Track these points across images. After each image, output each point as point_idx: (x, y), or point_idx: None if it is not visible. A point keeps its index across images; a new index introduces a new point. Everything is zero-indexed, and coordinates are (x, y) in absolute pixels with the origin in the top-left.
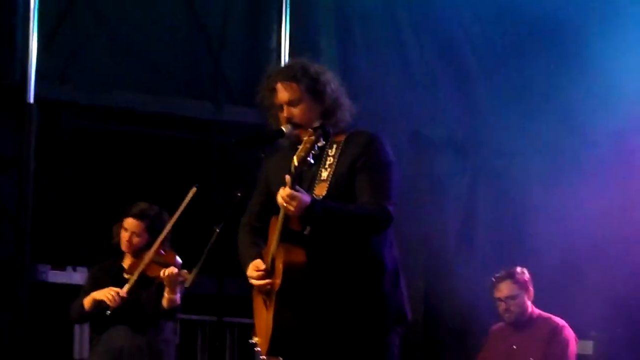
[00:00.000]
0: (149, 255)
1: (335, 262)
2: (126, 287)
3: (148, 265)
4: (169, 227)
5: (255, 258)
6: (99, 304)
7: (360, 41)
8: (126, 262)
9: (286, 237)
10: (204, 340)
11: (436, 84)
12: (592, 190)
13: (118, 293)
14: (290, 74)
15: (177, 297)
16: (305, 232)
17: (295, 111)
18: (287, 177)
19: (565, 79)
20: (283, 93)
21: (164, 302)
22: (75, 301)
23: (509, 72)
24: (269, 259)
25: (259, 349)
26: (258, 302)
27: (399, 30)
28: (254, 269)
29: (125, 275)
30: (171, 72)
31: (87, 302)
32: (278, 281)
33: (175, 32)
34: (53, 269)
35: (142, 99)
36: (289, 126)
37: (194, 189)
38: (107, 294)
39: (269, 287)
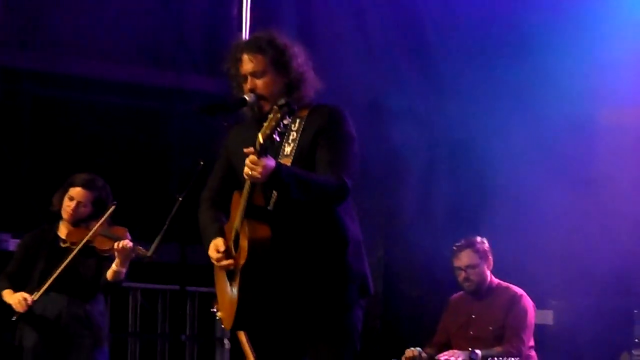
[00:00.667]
0: (97, 226)
1: (300, 237)
2: (36, 295)
3: (95, 237)
4: (107, 214)
5: (217, 235)
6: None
7: (321, 11)
8: (62, 232)
9: (250, 212)
10: (165, 309)
11: (396, 54)
12: (552, 162)
13: (26, 299)
14: (256, 45)
15: (124, 271)
16: (269, 208)
17: (259, 82)
18: (251, 149)
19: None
20: (248, 64)
21: (110, 275)
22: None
23: (470, 44)
24: (232, 235)
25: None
26: (220, 277)
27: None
28: (214, 249)
29: (62, 245)
30: (133, 40)
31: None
32: (243, 259)
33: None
34: (14, 237)
35: (104, 67)
36: (252, 95)
37: (113, 207)
38: (15, 300)
39: (231, 267)
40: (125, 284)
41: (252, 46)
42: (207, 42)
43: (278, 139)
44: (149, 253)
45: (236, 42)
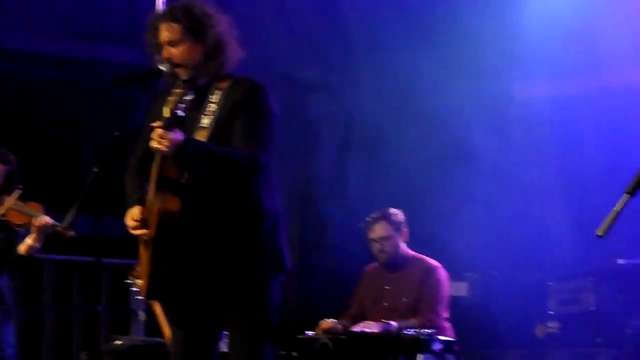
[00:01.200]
0: (10, 201)
1: (213, 210)
2: None
3: (9, 211)
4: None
5: (137, 203)
6: None
7: None
8: None
9: (163, 185)
10: (80, 281)
11: (312, 27)
12: (467, 136)
13: None
14: (172, 14)
15: (39, 246)
16: (182, 180)
17: (175, 51)
18: (159, 122)
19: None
20: (164, 33)
21: (24, 249)
22: None
23: (384, 19)
24: (148, 204)
25: (136, 289)
26: (141, 247)
27: None
28: (131, 217)
29: None
30: (50, 11)
31: None
32: (154, 228)
33: None
34: None
35: (19, 39)
36: (168, 65)
37: (17, 192)
38: None
39: (145, 236)
40: (39, 257)
41: (169, 15)
42: (125, 13)
43: (182, 113)
44: (69, 231)
45: (155, 12)
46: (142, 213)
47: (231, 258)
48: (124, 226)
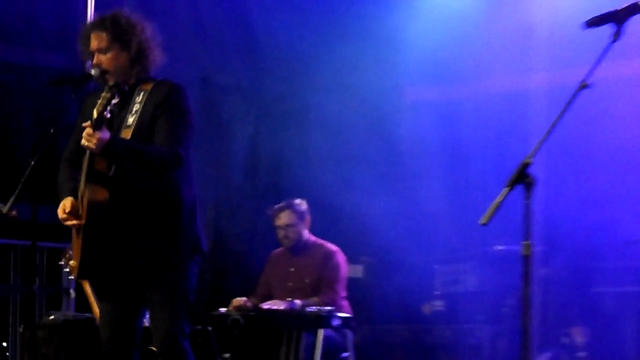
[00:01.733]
0: None
1: (137, 200)
2: None
3: None
4: None
5: (68, 195)
6: None
7: None
8: None
9: (93, 178)
10: (17, 263)
11: (224, 33)
12: (363, 129)
13: None
14: (100, 24)
15: None
16: (110, 174)
17: (104, 58)
18: (88, 123)
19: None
20: (94, 41)
21: None
22: None
23: (291, 26)
24: (79, 196)
25: (68, 270)
26: (73, 233)
27: None
28: (62, 210)
29: None
30: None
31: None
32: (83, 218)
33: None
34: None
35: None
36: (97, 70)
37: None
38: None
39: (78, 224)
40: None
41: (97, 25)
42: (57, 19)
43: (109, 115)
44: (4, 210)
45: (86, 23)
46: (73, 204)
47: (153, 242)
48: (56, 214)
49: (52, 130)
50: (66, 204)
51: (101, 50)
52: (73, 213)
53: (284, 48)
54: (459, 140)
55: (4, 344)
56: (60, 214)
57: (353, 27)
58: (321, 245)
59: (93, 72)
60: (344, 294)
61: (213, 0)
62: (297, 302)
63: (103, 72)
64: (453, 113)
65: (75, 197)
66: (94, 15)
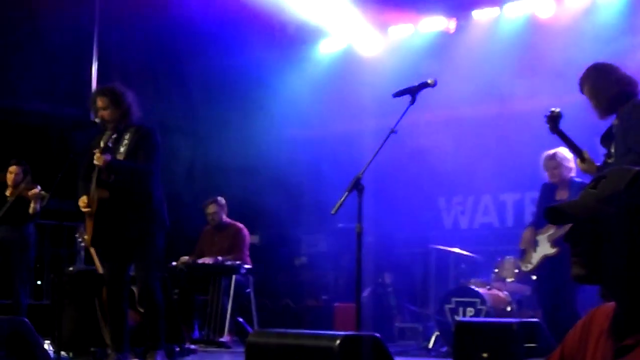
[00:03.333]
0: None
1: (126, 197)
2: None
3: (22, 190)
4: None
5: (84, 194)
6: None
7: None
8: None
9: (100, 183)
10: (50, 235)
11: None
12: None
13: None
14: (103, 92)
15: (38, 206)
16: (110, 180)
17: (104, 113)
18: (97, 151)
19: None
20: (99, 102)
21: (30, 210)
22: None
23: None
24: (91, 195)
25: (81, 240)
26: (87, 218)
27: None
28: (82, 203)
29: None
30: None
31: None
32: (94, 207)
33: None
34: None
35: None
36: (100, 120)
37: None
38: None
39: (90, 211)
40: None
41: (101, 92)
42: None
43: (111, 145)
44: (44, 202)
45: (95, 91)
46: (87, 200)
47: (137, 221)
48: (77, 205)
49: (72, 156)
50: (83, 199)
51: (103, 108)
52: (87, 205)
53: (211, 99)
54: (322, 162)
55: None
56: (80, 204)
57: (256, 84)
58: (234, 224)
59: (97, 121)
60: (247, 253)
61: (161, 63)
62: (220, 258)
63: (103, 121)
64: (315, 147)
65: (88, 196)
66: (96, 80)
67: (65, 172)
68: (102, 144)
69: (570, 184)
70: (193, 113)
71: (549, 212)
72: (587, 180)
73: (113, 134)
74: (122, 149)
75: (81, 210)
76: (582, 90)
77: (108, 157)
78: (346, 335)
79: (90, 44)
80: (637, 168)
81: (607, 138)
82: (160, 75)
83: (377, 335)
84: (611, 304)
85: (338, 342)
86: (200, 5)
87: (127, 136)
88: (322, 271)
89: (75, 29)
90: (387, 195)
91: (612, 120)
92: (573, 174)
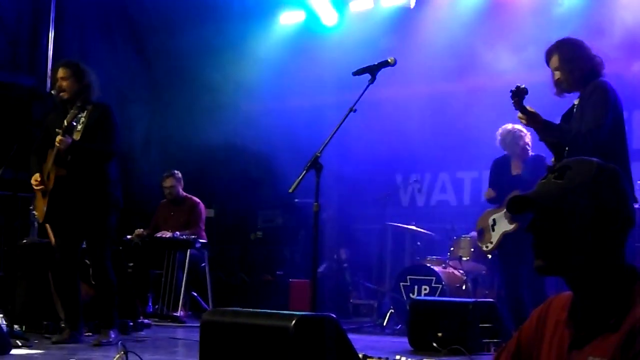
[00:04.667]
0: None
1: (83, 176)
2: None
3: None
4: None
5: (37, 172)
6: None
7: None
8: None
9: (58, 162)
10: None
11: (129, 59)
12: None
13: None
14: (67, 64)
15: None
16: (68, 159)
17: (64, 83)
18: (60, 131)
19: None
20: (60, 72)
21: None
22: None
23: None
24: (47, 171)
25: (35, 213)
26: (38, 194)
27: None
28: (34, 180)
29: None
30: None
31: None
32: (51, 184)
33: None
34: None
35: None
36: (57, 91)
37: None
38: None
39: (44, 188)
40: None
41: (65, 64)
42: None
43: (75, 123)
44: None
45: (59, 62)
46: (40, 177)
47: (91, 202)
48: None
49: (27, 127)
50: (37, 176)
51: (63, 79)
52: (40, 183)
53: (170, 69)
54: (280, 136)
55: None
56: (33, 181)
57: (217, 53)
58: (190, 198)
59: (53, 92)
60: (203, 227)
61: (120, 33)
62: (177, 233)
63: (60, 92)
64: (273, 121)
65: (40, 173)
66: (53, 49)
67: (21, 143)
68: (65, 123)
69: (525, 158)
70: (152, 83)
71: (513, 202)
72: (541, 155)
73: (78, 113)
74: (79, 127)
75: (34, 187)
76: (548, 61)
77: (69, 140)
78: (301, 316)
79: (48, 11)
80: (596, 160)
81: (567, 118)
82: (120, 45)
83: (333, 315)
84: (567, 294)
85: (293, 322)
86: None
87: (84, 114)
88: (278, 246)
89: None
90: (345, 171)
91: (572, 99)
92: (529, 148)
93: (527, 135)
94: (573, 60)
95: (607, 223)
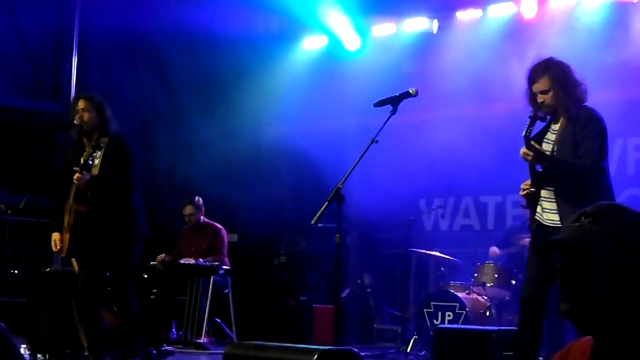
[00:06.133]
0: None
1: (104, 210)
2: None
3: None
4: None
5: (56, 231)
6: None
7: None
8: None
9: (78, 197)
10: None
11: (152, 86)
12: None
13: None
14: (88, 96)
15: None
16: (89, 195)
17: (85, 115)
18: (77, 169)
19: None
20: (81, 104)
21: None
22: None
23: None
24: (69, 207)
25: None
26: (63, 230)
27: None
28: (53, 243)
29: None
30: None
31: None
32: (71, 219)
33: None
34: None
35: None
36: (78, 121)
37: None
38: None
39: (67, 224)
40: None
41: (85, 96)
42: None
43: (91, 162)
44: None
45: (79, 94)
46: (60, 239)
47: (115, 234)
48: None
49: (49, 157)
50: (56, 239)
51: (84, 110)
52: (60, 247)
53: (194, 95)
54: (303, 160)
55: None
56: (53, 246)
57: (240, 82)
58: (212, 225)
59: (76, 121)
60: (225, 253)
61: (143, 60)
62: (200, 260)
63: (82, 123)
64: (296, 145)
65: (61, 213)
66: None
67: (44, 171)
68: (82, 161)
69: None
70: (176, 108)
71: (547, 245)
72: None
73: (93, 152)
74: (96, 161)
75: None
76: (534, 81)
77: (87, 176)
78: (324, 350)
79: (71, 38)
80: (626, 205)
81: (538, 140)
82: (143, 71)
83: (355, 350)
84: (587, 339)
85: (316, 356)
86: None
87: (101, 148)
88: (302, 271)
89: (56, 23)
90: (368, 196)
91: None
92: None
93: None
94: (567, 86)
95: (638, 270)
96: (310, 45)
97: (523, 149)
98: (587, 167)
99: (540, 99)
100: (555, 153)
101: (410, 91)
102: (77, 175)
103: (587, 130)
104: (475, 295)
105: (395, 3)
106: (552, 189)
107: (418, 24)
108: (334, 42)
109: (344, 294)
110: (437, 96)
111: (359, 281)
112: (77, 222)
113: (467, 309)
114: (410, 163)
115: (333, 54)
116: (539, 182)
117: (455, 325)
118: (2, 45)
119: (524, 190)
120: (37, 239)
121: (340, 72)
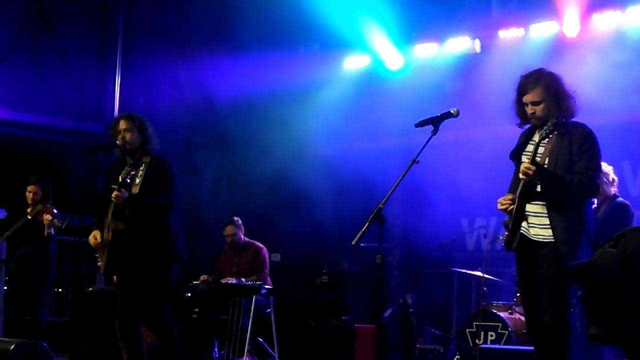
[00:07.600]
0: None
1: (142, 229)
2: None
3: (39, 212)
4: None
5: (98, 226)
6: None
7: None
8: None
9: (116, 215)
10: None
11: (195, 105)
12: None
13: None
14: (129, 115)
15: (52, 231)
16: (127, 213)
17: (127, 135)
18: (116, 187)
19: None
20: (122, 124)
21: (45, 233)
22: None
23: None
24: (107, 225)
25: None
26: (102, 248)
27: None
28: (92, 237)
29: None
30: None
31: None
32: (109, 237)
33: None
34: None
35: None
36: (121, 142)
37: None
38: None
39: (100, 246)
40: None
41: (127, 115)
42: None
43: (130, 180)
44: (63, 226)
45: (120, 114)
46: (100, 234)
47: (151, 254)
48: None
49: (92, 176)
50: (96, 234)
51: (126, 130)
52: (99, 240)
53: (237, 115)
54: (345, 180)
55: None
56: (91, 239)
57: (279, 105)
58: (253, 244)
59: (118, 142)
60: (267, 272)
61: (185, 80)
62: (243, 280)
63: (124, 142)
64: (337, 164)
65: (101, 229)
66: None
67: (86, 190)
68: (120, 179)
69: (612, 201)
70: (219, 129)
71: (568, 271)
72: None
73: (132, 170)
74: (137, 180)
75: (93, 246)
76: (526, 91)
77: (125, 194)
78: None
79: (114, 57)
80: None
81: (518, 152)
82: (186, 91)
83: None
84: None
85: None
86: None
87: (142, 167)
88: (344, 291)
89: (98, 43)
90: (410, 216)
91: (520, 134)
92: (614, 189)
93: (610, 174)
94: (560, 97)
95: None
96: (353, 64)
97: (525, 164)
98: (584, 183)
99: (530, 110)
100: (547, 167)
101: (452, 111)
102: (115, 192)
103: (585, 147)
104: (517, 315)
105: (438, 23)
106: (540, 203)
107: (460, 44)
108: (376, 61)
109: (386, 314)
110: (479, 116)
111: (401, 301)
112: (115, 240)
113: (509, 329)
114: (452, 183)
115: (375, 74)
116: (526, 197)
117: (498, 346)
118: (45, 66)
119: (504, 204)
120: (80, 258)
121: (382, 92)
